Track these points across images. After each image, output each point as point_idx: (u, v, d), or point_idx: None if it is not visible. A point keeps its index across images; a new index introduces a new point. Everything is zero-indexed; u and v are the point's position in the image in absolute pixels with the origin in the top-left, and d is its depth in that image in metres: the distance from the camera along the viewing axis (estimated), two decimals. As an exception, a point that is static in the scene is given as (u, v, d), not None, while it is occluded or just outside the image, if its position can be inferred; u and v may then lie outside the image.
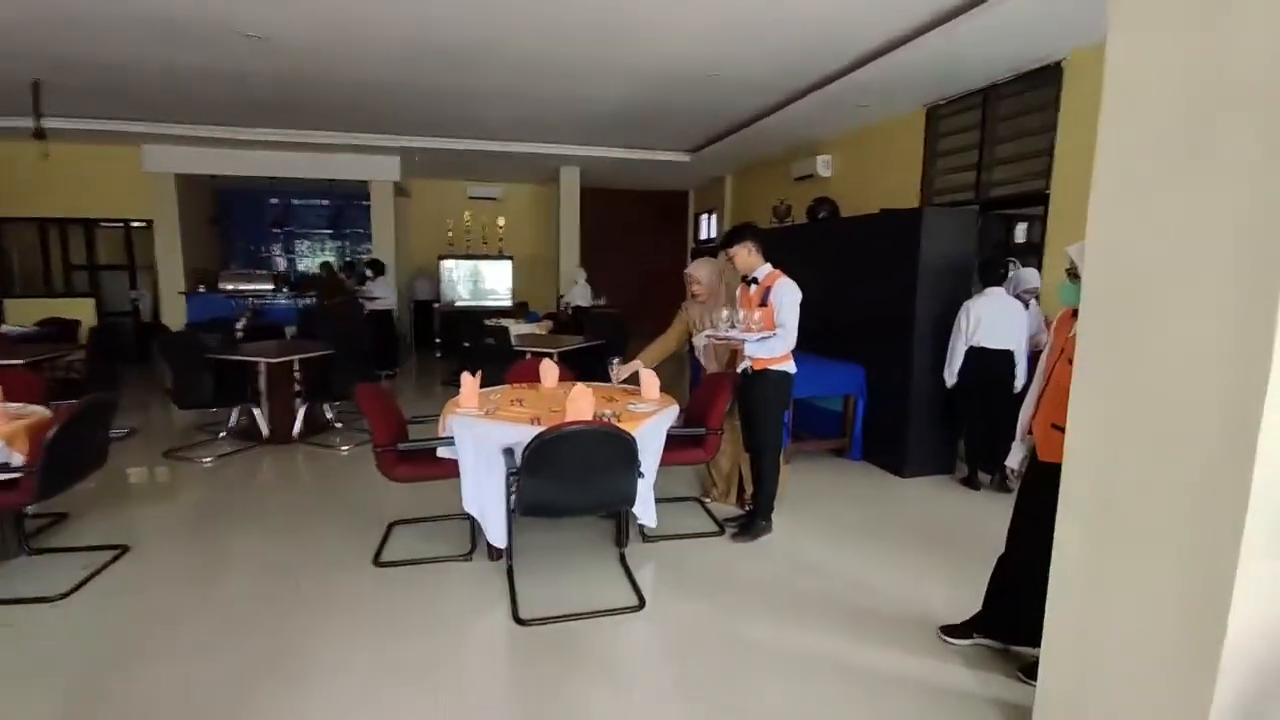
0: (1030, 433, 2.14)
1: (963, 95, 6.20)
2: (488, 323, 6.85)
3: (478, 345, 5.66)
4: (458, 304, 11.43)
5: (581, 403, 2.80)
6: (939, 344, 4.37)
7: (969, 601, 2.58)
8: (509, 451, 2.76)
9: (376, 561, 3.15)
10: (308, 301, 9.50)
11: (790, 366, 3.34)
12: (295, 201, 11.91)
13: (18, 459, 2.78)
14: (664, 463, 3.14)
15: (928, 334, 4.35)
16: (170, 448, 5.08)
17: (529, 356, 5.57)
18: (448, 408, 3.15)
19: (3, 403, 3.25)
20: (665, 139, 9.30)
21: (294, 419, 5.43)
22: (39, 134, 6.95)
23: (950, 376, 4.25)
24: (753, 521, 3.45)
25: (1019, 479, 2.25)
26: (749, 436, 3.42)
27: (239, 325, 7.56)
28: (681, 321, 3.92)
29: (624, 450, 2.53)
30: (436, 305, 11.31)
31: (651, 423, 2.96)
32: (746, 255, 3.36)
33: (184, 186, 9.85)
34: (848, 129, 7.80)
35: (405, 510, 3.71)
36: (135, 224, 10.29)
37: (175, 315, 9.70)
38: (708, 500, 3.98)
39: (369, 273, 9.37)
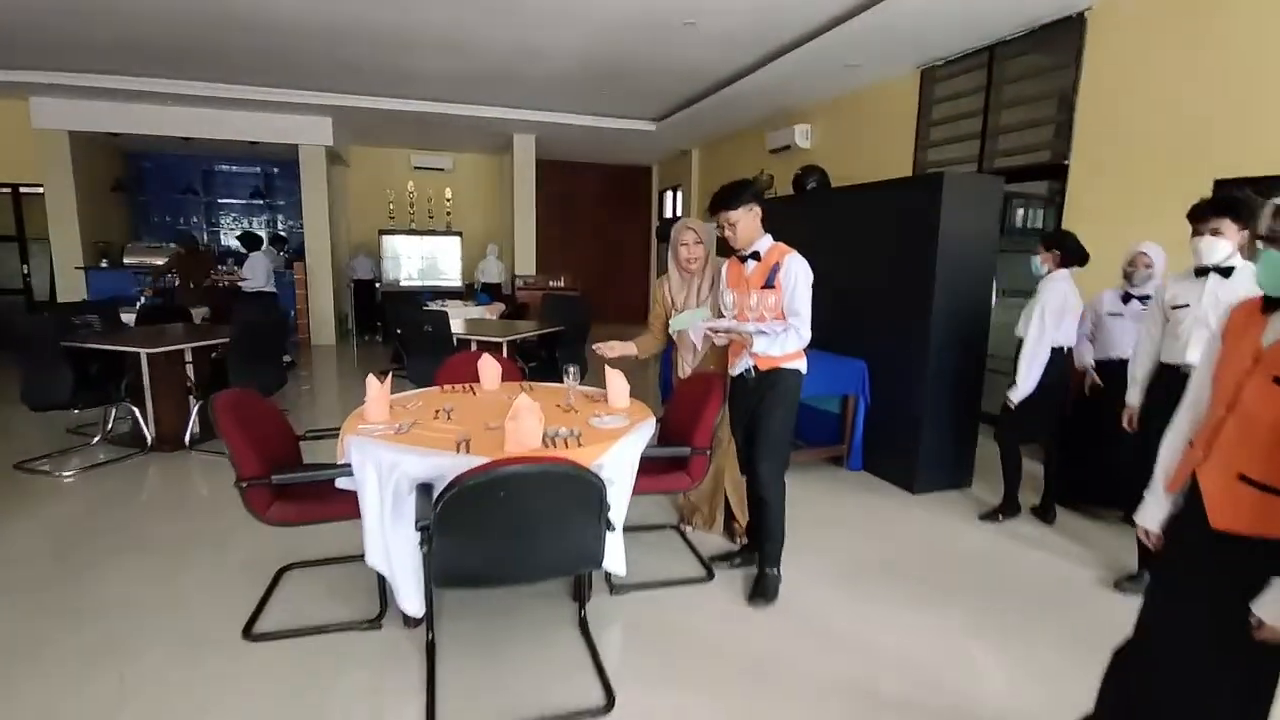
0: (1182, 482, 1.46)
1: (964, 55, 5.55)
2: (427, 307, 5.95)
3: (412, 333, 4.79)
4: (402, 284, 10.44)
5: (526, 422, 2.02)
6: (959, 334, 3.71)
7: (1056, 695, 1.93)
8: (425, 489, 1.97)
9: (249, 633, 2.32)
10: (160, 284, 7.62)
11: (802, 364, 2.59)
12: (221, 168, 10.66)
13: None
14: (636, 491, 2.39)
15: (946, 322, 3.67)
16: (24, 458, 4.12)
17: (474, 347, 4.77)
18: (349, 422, 2.34)
19: None
20: (628, 105, 8.46)
21: (187, 421, 4.50)
22: None
23: (1030, 384, 3.25)
24: (764, 577, 2.65)
25: (1158, 543, 1.57)
26: (751, 457, 2.64)
27: (136, 306, 6.51)
28: (660, 304, 3.10)
29: (587, 496, 1.77)
30: (378, 285, 10.29)
31: (623, 444, 2.20)
32: (752, 221, 2.58)
33: (81, 146, 8.60)
34: (831, 95, 7.10)
35: (305, 546, 2.89)
36: (25, 189, 9.00)
37: (76, 293, 8.50)
38: (688, 529, 3.26)
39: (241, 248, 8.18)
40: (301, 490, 2.32)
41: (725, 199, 2.54)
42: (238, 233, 9.06)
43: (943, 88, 5.85)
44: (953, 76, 5.74)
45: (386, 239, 10.55)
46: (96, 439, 4.54)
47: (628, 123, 9.17)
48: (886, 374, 3.96)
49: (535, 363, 5.07)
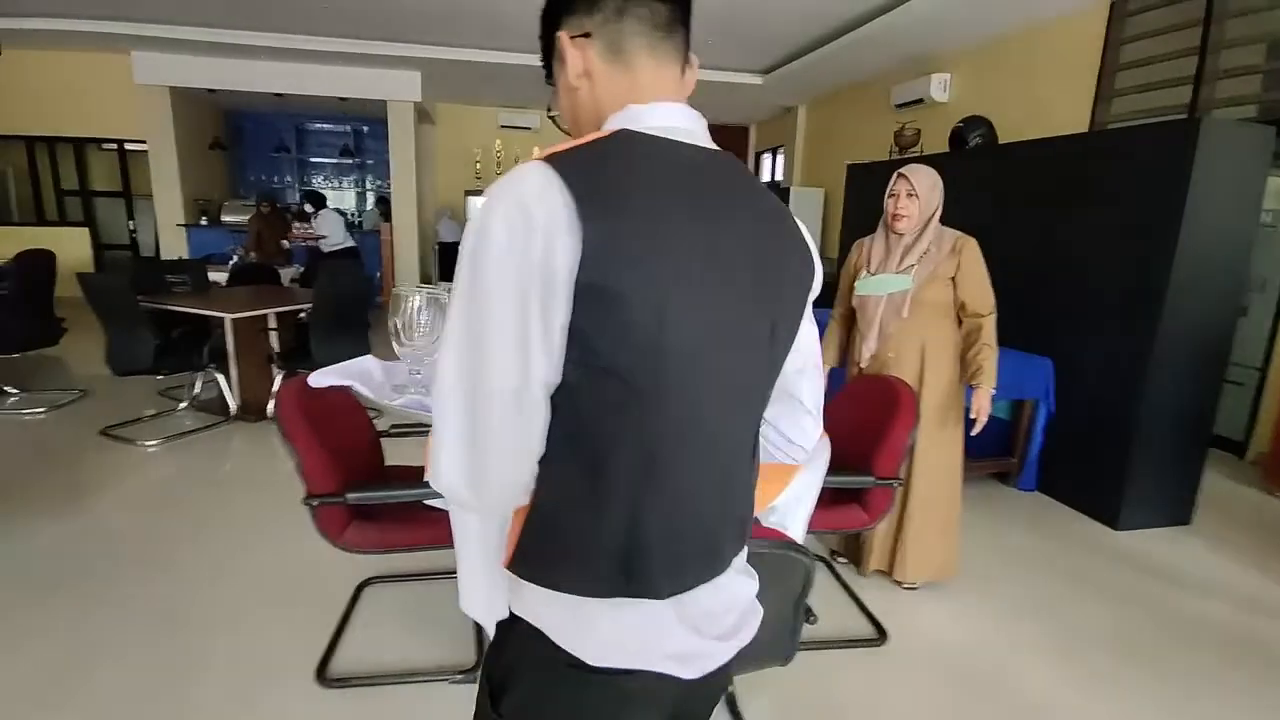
0: None
1: (1175, -19, 4.50)
2: None
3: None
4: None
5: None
6: (1196, 333, 2.89)
7: None
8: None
9: (322, 675, 1.91)
10: (240, 255, 7.25)
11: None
12: (312, 126, 10.60)
13: None
14: (816, 527, 1.82)
15: (1179, 318, 2.86)
16: (112, 423, 3.94)
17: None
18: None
19: None
20: (734, 55, 7.62)
21: (270, 390, 4.24)
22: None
23: None
24: None
25: None
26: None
27: (229, 265, 6.38)
28: (849, 271, 2.44)
29: (788, 579, 1.18)
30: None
31: (803, 480, 1.62)
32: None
33: (181, 103, 8.59)
34: (980, 38, 6.09)
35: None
36: (130, 146, 9.14)
37: (178, 250, 8.60)
38: (841, 561, 2.65)
39: (308, 207, 7.94)
40: (385, 508, 1.86)
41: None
42: (327, 190, 8.93)
43: (1137, 23, 4.81)
44: (1151, 9, 4.69)
45: (471, 200, 10.23)
46: (183, 405, 4.35)
47: (731, 75, 8.34)
48: (1082, 376, 3.19)
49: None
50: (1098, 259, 3.16)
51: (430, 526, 1.78)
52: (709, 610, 0.75)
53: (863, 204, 5.65)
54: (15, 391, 4.49)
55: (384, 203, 9.92)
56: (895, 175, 2.25)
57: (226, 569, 2.48)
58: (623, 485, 0.66)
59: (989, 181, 3.68)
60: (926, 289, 2.22)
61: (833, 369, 2.47)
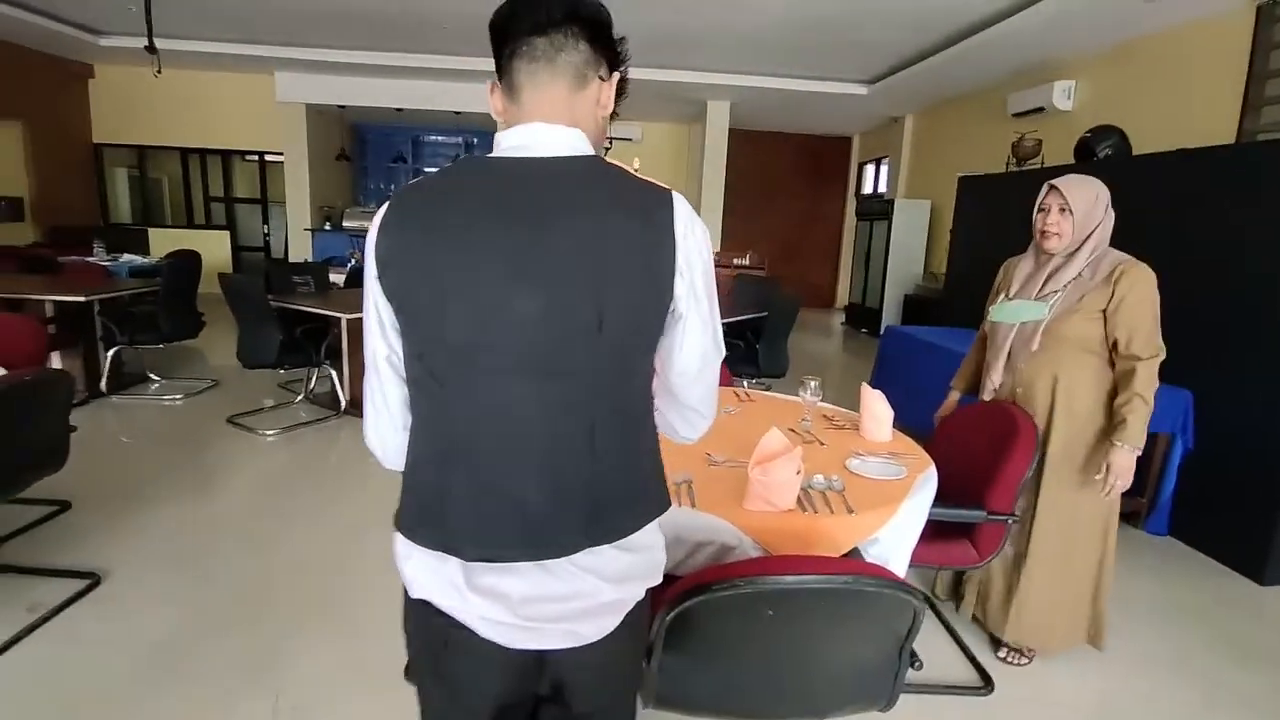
0: None
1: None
2: None
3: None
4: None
5: (781, 475, 1.41)
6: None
7: None
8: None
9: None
10: (357, 258, 7.86)
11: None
12: (427, 137, 11.25)
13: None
14: (919, 561, 1.71)
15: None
16: (236, 412, 4.30)
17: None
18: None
19: None
20: (839, 65, 7.44)
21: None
22: (150, 47, 6.39)
23: None
24: None
25: None
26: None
27: (346, 267, 6.84)
28: (994, 292, 2.24)
29: (894, 620, 1.09)
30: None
31: (907, 510, 1.53)
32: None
33: (315, 118, 9.35)
34: (1109, 43, 5.64)
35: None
36: (269, 157, 10.01)
37: (304, 252, 9.35)
38: (939, 599, 2.47)
39: None
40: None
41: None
42: None
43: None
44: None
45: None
46: (299, 398, 4.68)
47: (836, 86, 8.14)
48: (1224, 410, 2.87)
49: (735, 346, 4.45)
50: (1244, 282, 2.83)
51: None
52: (525, 592, 0.83)
53: (976, 218, 5.34)
54: (158, 379, 4.99)
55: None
56: (1045, 187, 1.96)
57: (332, 558, 2.64)
58: (435, 455, 0.84)
59: (1121, 196, 3.37)
60: (1066, 321, 1.91)
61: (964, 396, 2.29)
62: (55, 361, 4.44)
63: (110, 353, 4.60)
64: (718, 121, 9.13)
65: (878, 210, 9.04)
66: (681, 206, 0.82)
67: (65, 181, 8.70)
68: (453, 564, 0.84)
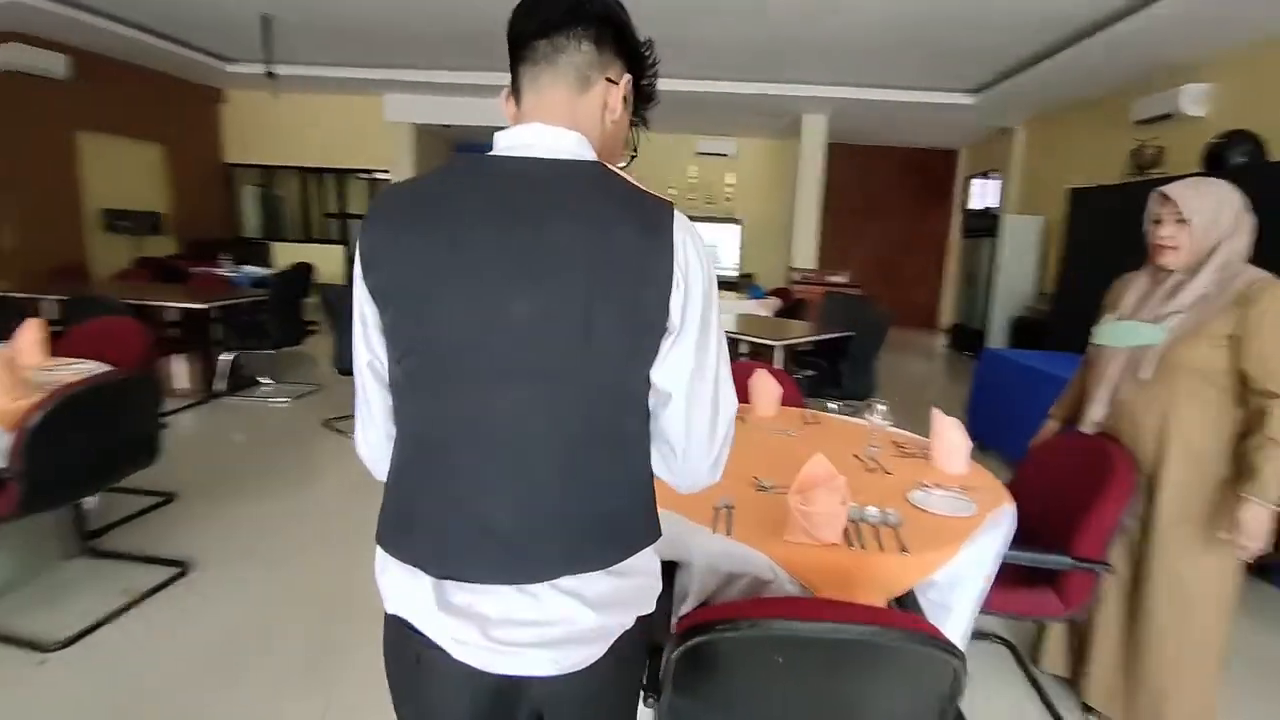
0: None
1: None
2: None
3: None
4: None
5: (825, 505, 1.30)
6: None
7: None
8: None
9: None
10: None
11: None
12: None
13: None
14: (992, 609, 1.55)
15: None
16: (331, 416, 4.57)
17: (743, 352, 4.16)
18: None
19: (35, 357, 2.54)
20: (943, 74, 7.07)
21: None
22: (270, 74, 6.98)
23: None
24: None
25: None
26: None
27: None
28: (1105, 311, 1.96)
29: (929, 678, 0.95)
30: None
31: (973, 550, 1.37)
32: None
33: (421, 137, 9.92)
34: (1243, 41, 5.03)
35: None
36: (379, 175, 10.70)
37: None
38: (1031, 662, 2.15)
39: None
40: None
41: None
42: None
43: None
44: None
45: (663, 225, 10.56)
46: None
47: (939, 96, 7.73)
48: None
49: (813, 373, 4.27)
50: None
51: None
52: (500, 614, 0.78)
53: (1088, 234, 4.88)
54: (268, 382, 5.39)
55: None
56: (1155, 195, 1.71)
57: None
58: (410, 463, 0.81)
59: (1255, 208, 2.97)
60: (1184, 347, 1.63)
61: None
62: (176, 364, 4.89)
63: (225, 356, 4.98)
64: (813, 135, 8.90)
65: (984, 227, 8.55)
66: (681, 219, 0.78)
67: (200, 198, 9.59)
68: (425, 581, 0.80)
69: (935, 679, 0.93)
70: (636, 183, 0.79)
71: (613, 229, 0.74)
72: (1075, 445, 1.86)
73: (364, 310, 0.81)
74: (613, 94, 0.83)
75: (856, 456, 1.87)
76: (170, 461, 3.18)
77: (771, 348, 4.00)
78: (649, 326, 0.76)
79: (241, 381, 5.24)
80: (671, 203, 0.78)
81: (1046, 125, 8.14)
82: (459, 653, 0.79)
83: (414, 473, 0.81)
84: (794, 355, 4.44)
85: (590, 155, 0.80)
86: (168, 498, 3.14)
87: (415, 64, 8.11)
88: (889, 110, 8.17)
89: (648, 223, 0.75)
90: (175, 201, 9.05)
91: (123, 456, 2.37)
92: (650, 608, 0.88)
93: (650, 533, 0.85)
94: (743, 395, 2.29)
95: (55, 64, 6.92)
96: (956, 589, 1.35)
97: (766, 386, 2.26)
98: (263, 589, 2.46)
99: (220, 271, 6.48)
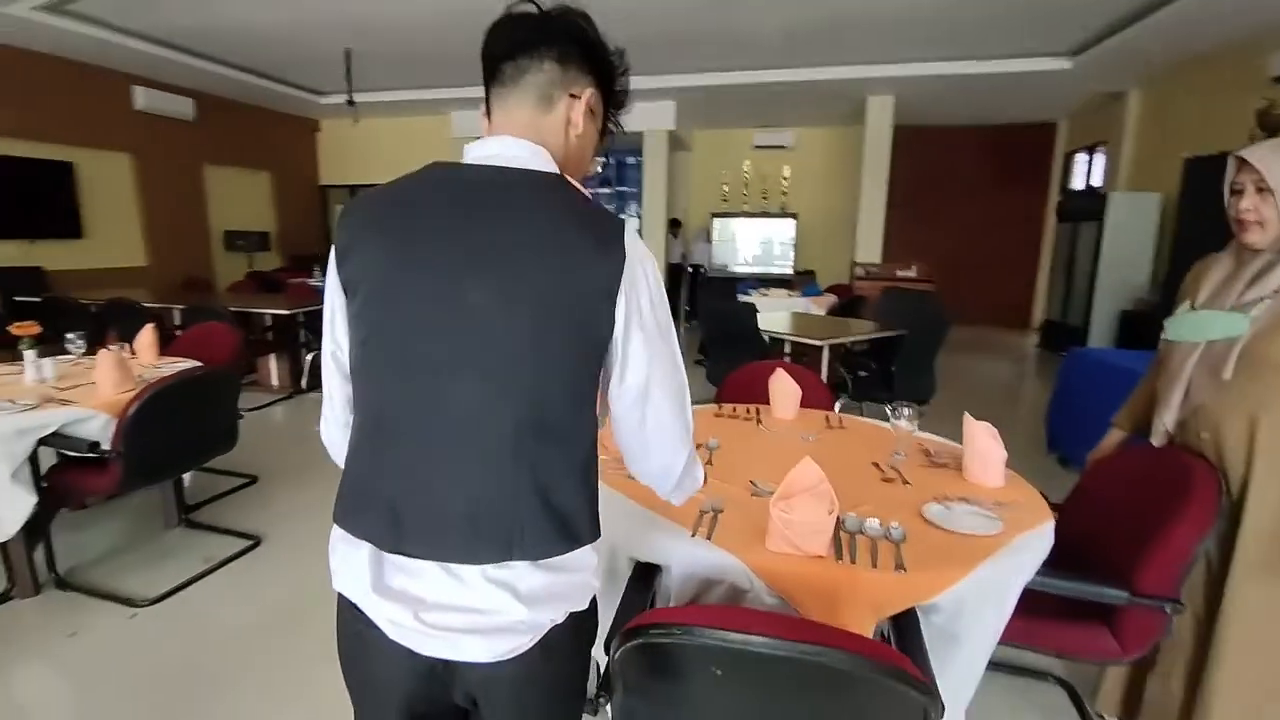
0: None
1: None
2: (745, 295, 5.35)
3: (713, 326, 4.20)
4: (731, 269, 10.16)
5: (805, 513, 1.17)
6: None
7: None
8: (648, 573, 1.28)
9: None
10: None
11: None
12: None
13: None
14: (1006, 639, 1.35)
15: None
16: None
17: (787, 352, 3.97)
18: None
19: (148, 356, 3.00)
20: (1028, 37, 6.38)
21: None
22: (350, 102, 7.35)
23: None
24: None
25: None
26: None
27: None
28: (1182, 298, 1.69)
29: (893, 713, 0.84)
30: (703, 270, 10.20)
31: (988, 573, 1.19)
32: None
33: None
34: None
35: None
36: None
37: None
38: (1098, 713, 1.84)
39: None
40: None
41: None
42: None
43: None
44: None
45: (718, 222, 10.37)
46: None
47: (1029, 63, 7.00)
48: None
49: (863, 374, 4.01)
50: None
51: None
52: (432, 598, 0.82)
53: (1207, 211, 4.33)
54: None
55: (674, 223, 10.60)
56: (1232, 160, 1.44)
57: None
58: (364, 443, 0.86)
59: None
60: (1273, 338, 1.38)
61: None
62: (270, 364, 5.44)
63: (309, 356, 5.46)
64: (879, 118, 8.45)
65: (1087, 208, 7.48)
66: (632, 232, 0.83)
67: (300, 217, 10.50)
68: (365, 562, 0.85)
69: (900, 715, 0.79)
70: (589, 196, 0.86)
71: (564, 235, 0.80)
72: (1143, 459, 1.61)
73: (334, 301, 0.88)
74: (575, 109, 0.88)
75: (876, 464, 1.69)
76: (257, 448, 3.71)
77: (815, 347, 3.79)
78: (595, 330, 0.81)
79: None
80: (622, 218, 0.85)
81: (1164, 87, 7.15)
82: (394, 633, 0.84)
83: (369, 452, 0.85)
84: (844, 356, 4.20)
85: (551, 168, 0.86)
86: (252, 480, 3.46)
87: (478, 81, 8.30)
88: (967, 85, 7.57)
89: (598, 233, 0.81)
90: (280, 221, 10.09)
91: (205, 443, 2.66)
92: (583, 605, 0.89)
93: (590, 532, 0.87)
94: (761, 397, 2.17)
95: (185, 107, 8.19)
96: (965, 617, 1.17)
97: (785, 387, 2.11)
98: (321, 563, 2.53)
99: (311, 281, 6.95)
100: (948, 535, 1.30)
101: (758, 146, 10.43)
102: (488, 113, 0.90)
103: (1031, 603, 1.42)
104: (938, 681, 1.13)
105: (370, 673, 0.89)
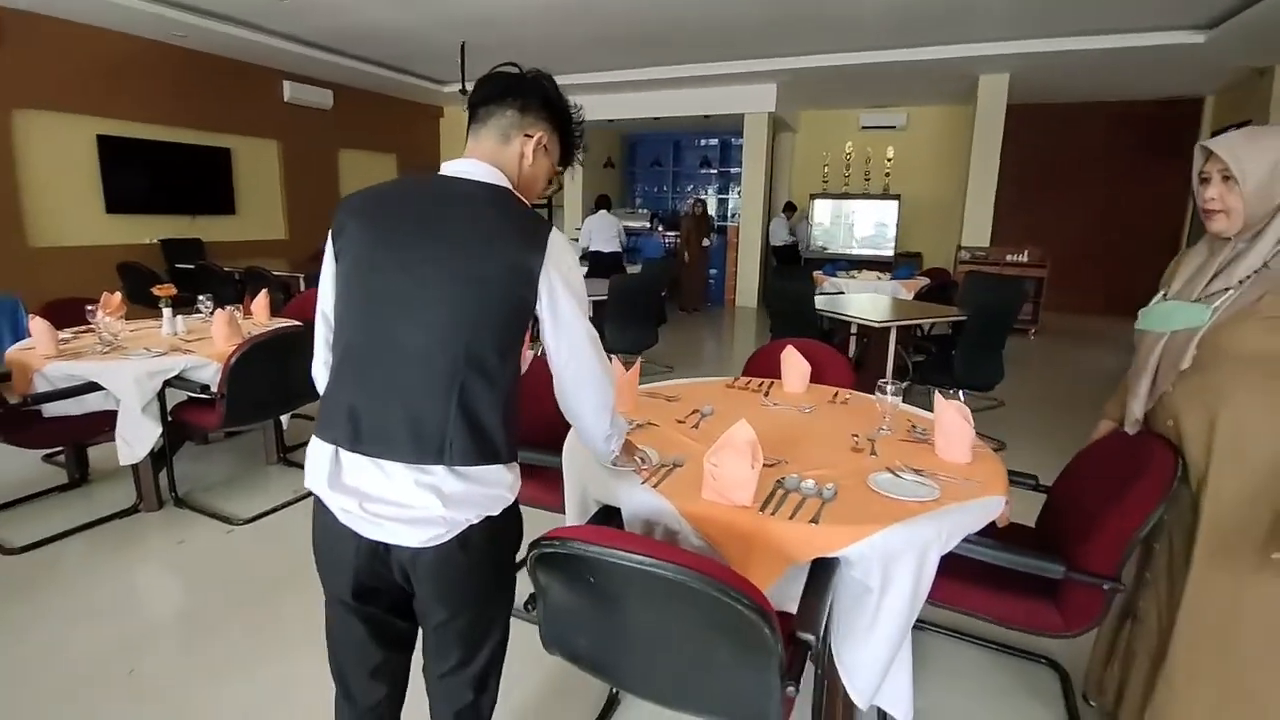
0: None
1: None
2: (835, 275, 5.41)
3: (776, 305, 4.25)
4: (829, 251, 9.93)
5: (729, 468, 1.30)
6: None
7: None
8: (610, 514, 1.46)
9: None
10: (672, 241, 9.72)
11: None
12: (686, 141, 11.94)
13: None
14: (963, 606, 1.42)
15: None
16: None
17: (853, 333, 3.96)
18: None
19: (261, 316, 3.49)
20: (1156, 8, 5.89)
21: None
22: (464, 90, 7.85)
23: None
24: None
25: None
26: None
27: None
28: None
29: (740, 631, 0.97)
30: (801, 250, 10.05)
31: (899, 532, 1.26)
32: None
33: (590, 134, 10.50)
34: None
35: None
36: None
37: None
38: (1086, 697, 1.84)
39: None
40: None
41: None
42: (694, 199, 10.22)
43: None
44: None
45: (818, 203, 10.14)
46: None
47: (1153, 37, 6.47)
48: None
49: (920, 357, 3.93)
50: None
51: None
52: (373, 492, 1.08)
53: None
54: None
55: (790, 209, 10.58)
56: (1199, 149, 1.42)
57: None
58: (339, 370, 1.13)
59: None
60: (1232, 329, 1.35)
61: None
62: None
63: None
64: (991, 98, 7.96)
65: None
66: (555, 232, 1.11)
67: None
68: (327, 463, 1.11)
69: (746, 632, 0.97)
70: (528, 205, 1.15)
71: (502, 228, 1.09)
72: (1119, 443, 1.59)
73: (326, 268, 1.16)
74: (527, 145, 1.17)
75: (855, 435, 1.76)
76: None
77: (883, 330, 3.76)
78: (520, 300, 1.08)
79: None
80: (550, 223, 1.14)
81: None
82: (345, 519, 1.09)
83: (343, 374, 1.12)
84: (918, 339, 4.11)
85: (503, 184, 1.14)
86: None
87: (579, 68, 8.63)
88: (1088, 61, 7.03)
89: (529, 230, 1.09)
90: (404, 201, 11.20)
91: (295, 391, 3.05)
92: (496, 511, 1.13)
93: (507, 453, 1.12)
94: (774, 371, 2.27)
95: (325, 98, 9.22)
96: (876, 571, 1.25)
97: (794, 363, 2.20)
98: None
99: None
100: (878, 498, 1.38)
101: (865, 127, 10.09)
102: (467, 141, 1.19)
103: (983, 572, 1.48)
104: (861, 628, 1.27)
105: (329, 550, 1.15)
